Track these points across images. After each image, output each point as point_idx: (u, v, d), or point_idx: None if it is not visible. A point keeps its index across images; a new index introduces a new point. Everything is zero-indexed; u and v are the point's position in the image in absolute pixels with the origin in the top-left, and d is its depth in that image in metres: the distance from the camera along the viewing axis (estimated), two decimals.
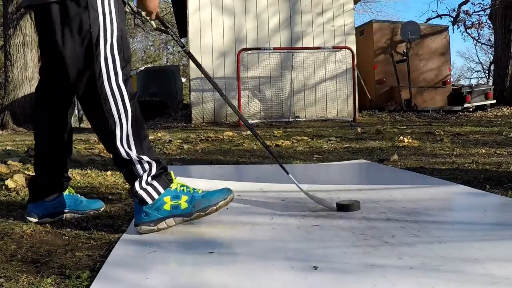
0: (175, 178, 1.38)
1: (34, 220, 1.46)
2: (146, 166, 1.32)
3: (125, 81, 1.34)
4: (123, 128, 1.32)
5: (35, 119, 1.51)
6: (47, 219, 1.47)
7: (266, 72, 8.37)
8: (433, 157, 3.06)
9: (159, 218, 1.30)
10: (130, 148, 1.32)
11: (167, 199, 1.31)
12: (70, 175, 2.28)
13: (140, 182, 1.31)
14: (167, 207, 1.31)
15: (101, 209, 1.61)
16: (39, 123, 1.49)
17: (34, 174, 1.53)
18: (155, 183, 1.32)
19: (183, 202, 1.32)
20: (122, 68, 1.33)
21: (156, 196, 1.31)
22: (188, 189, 1.36)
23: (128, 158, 1.32)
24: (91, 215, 1.55)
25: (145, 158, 1.33)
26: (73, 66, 1.30)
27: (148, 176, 1.32)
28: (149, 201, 1.30)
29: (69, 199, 1.54)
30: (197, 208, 1.32)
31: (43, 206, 1.47)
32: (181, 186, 1.36)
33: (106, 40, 1.30)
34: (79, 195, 1.60)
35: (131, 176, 1.33)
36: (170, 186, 1.34)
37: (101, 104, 1.30)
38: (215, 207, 1.34)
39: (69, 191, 1.56)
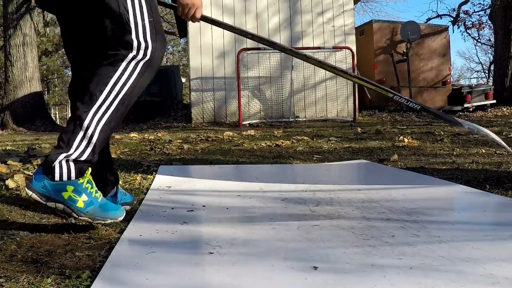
0: (88, 173, 1.34)
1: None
2: (83, 147, 1.28)
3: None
4: (110, 96, 1.30)
5: None
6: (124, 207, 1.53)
7: (266, 72, 8.37)
8: (433, 157, 3.06)
9: (52, 198, 1.27)
10: (98, 122, 1.29)
11: (70, 188, 1.28)
12: None
13: (65, 156, 1.27)
14: (65, 195, 1.27)
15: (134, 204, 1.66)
16: None
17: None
18: (72, 166, 1.28)
19: (81, 201, 1.29)
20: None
21: (65, 178, 1.27)
22: (91, 190, 1.32)
23: (79, 122, 1.28)
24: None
25: (94, 139, 1.29)
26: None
27: (74, 154, 1.28)
28: (56, 178, 1.27)
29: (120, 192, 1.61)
30: (89, 214, 1.30)
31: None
32: (87, 182, 1.32)
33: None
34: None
35: (65, 142, 1.29)
36: (79, 178, 1.31)
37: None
38: (103, 221, 1.32)
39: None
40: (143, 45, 1.33)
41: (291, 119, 8.12)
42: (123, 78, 1.31)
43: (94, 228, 1.41)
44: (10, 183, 2.00)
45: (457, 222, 1.45)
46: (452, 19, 16.26)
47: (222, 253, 1.15)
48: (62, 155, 1.27)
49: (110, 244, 1.25)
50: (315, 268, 1.03)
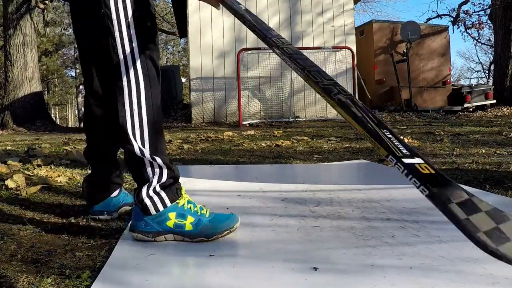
0: (184, 193, 1.31)
1: (108, 217, 1.50)
2: (157, 170, 1.25)
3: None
4: (134, 117, 1.23)
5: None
6: (115, 214, 1.53)
7: (266, 72, 8.37)
8: (433, 157, 3.06)
9: (158, 231, 1.24)
10: (143, 145, 1.24)
11: (172, 215, 1.24)
12: (70, 175, 2.29)
13: (148, 188, 1.25)
14: (170, 224, 1.23)
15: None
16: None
17: (91, 177, 1.54)
18: (163, 193, 1.25)
19: (188, 224, 1.24)
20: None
21: (161, 208, 1.24)
22: (195, 209, 1.27)
23: (140, 156, 1.24)
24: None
25: (158, 160, 1.25)
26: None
27: (157, 183, 1.25)
28: (153, 211, 1.24)
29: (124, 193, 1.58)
30: (202, 234, 1.24)
31: (112, 203, 1.52)
32: (188, 203, 1.28)
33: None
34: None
35: (140, 178, 1.26)
36: (178, 201, 1.27)
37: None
38: (220, 235, 1.26)
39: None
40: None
41: (291, 119, 8.12)
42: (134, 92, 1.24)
43: (94, 229, 1.41)
44: (10, 183, 2.00)
45: None
46: (452, 19, 16.28)
47: (222, 255, 1.15)
48: (145, 188, 1.25)
49: (110, 244, 1.25)
50: (315, 269, 1.03)
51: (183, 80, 15.11)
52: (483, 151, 3.29)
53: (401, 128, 5.84)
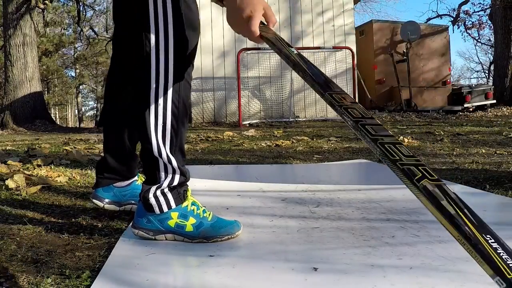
0: (190, 194, 1.30)
1: (101, 204, 1.45)
2: (170, 174, 1.24)
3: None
4: (158, 113, 1.20)
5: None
6: (112, 206, 1.47)
7: (266, 72, 8.37)
8: (433, 157, 3.06)
9: (159, 230, 1.25)
10: (164, 144, 1.21)
11: (174, 215, 1.24)
12: (70, 175, 2.28)
13: (156, 189, 1.24)
14: (171, 223, 1.24)
15: None
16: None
17: (103, 155, 1.50)
18: (169, 195, 1.25)
19: (189, 225, 1.24)
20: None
21: (165, 209, 1.24)
22: (198, 211, 1.27)
23: (157, 156, 1.22)
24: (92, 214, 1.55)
25: (174, 163, 1.24)
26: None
27: (167, 186, 1.25)
28: (157, 211, 1.24)
29: (139, 190, 1.50)
30: (202, 236, 1.24)
31: (112, 191, 1.47)
32: (192, 204, 1.28)
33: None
34: None
35: (151, 177, 1.26)
36: (183, 202, 1.27)
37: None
38: (219, 239, 1.25)
39: (140, 181, 1.54)
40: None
41: (291, 119, 8.12)
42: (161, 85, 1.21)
43: (94, 229, 1.41)
44: (10, 183, 2.00)
45: None
46: (452, 19, 16.29)
47: (223, 255, 1.15)
48: (154, 188, 1.24)
49: (110, 244, 1.25)
50: (315, 269, 1.03)
51: None
52: (483, 151, 3.29)
53: (401, 128, 5.84)
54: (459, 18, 16.03)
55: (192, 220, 1.25)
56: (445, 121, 7.47)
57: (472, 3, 19.12)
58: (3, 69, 11.02)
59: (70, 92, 29.87)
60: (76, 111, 31.58)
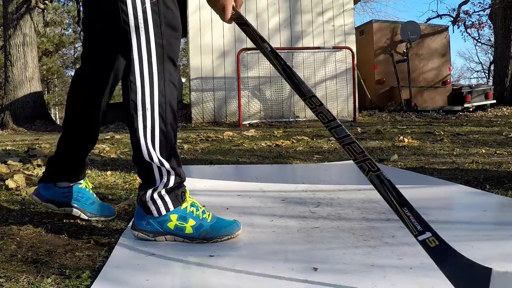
0: (188, 196, 1.30)
1: (38, 201, 1.45)
2: (165, 176, 1.24)
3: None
4: (147, 116, 1.20)
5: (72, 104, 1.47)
6: (50, 205, 1.45)
7: (266, 72, 8.37)
8: (433, 157, 3.06)
9: (159, 231, 1.25)
10: (154, 148, 1.22)
11: (174, 217, 1.24)
12: None
13: (152, 192, 1.24)
14: (171, 225, 1.24)
15: (110, 218, 1.52)
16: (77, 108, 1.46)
17: (54, 153, 1.49)
18: (167, 197, 1.25)
19: (189, 227, 1.24)
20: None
21: (164, 211, 1.24)
22: (197, 213, 1.27)
23: (148, 160, 1.22)
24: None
25: (167, 165, 1.23)
26: None
27: (163, 188, 1.25)
28: (155, 214, 1.24)
29: (81, 194, 1.48)
30: (202, 237, 1.24)
31: (53, 190, 1.45)
32: (191, 206, 1.28)
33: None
34: (94, 195, 1.54)
35: (146, 180, 1.26)
36: (181, 204, 1.27)
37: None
38: (219, 240, 1.25)
39: (86, 185, 1.52)
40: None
41: (291, 119, 8.12)
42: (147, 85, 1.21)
43: (94, 229, 1.41)
44: (10, 183, 2.00)
45: (457, 222, 1.45)
46: (452, 19, 16.30)
47: (223, 255, 1.15)
48: (150, 191, 1.24)
49: (110, 244, 1.25)
50: (315, 269, 1.03)
51: (183, 80, 15.11)
52: (483, 151, 3.29)
53: (401, 128, 5.84)
54: (459, 18, 16.04)
55: (191, 222, 1.25)
56: (445, 121, 7.47)
57: (472, 3, 19.15)
58: (3, 69, 11.01)
59: None
60: None
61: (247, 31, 1.24)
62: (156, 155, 1.22)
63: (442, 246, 0.89)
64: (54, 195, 1.46)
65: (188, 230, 1.24)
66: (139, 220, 1.26)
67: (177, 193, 1.27)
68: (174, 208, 1.25)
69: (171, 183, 1.25)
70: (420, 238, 0.92)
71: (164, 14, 1.22)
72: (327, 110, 1.16)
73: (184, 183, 1.31)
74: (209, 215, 1.28)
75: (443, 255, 0.89)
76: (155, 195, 1.24)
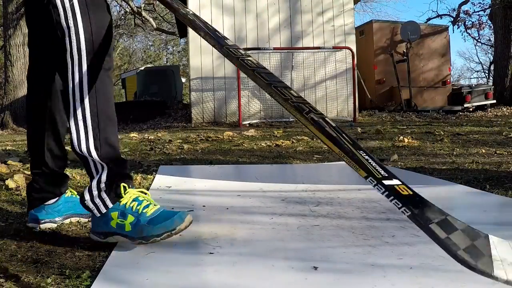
0: (129, 188, 1.22)
1: (36, 226, 1.41)
2: (99, 168, 1.21)
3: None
4: (77, 108, 1.17)
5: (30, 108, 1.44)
6: (49, 224, 1.43)
7: None
8: (433, 157, 3.06)
9: (106, 232, 1.20)
10: (79, 137, 1.19)
11: (114, 215, 1.18)
12: (70, 175, 2.28)
13: (89, 190, 1.21)
14: (113, 224, 1.18)
15: None
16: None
17: (31, 178, 1.47)
18: (104, 194, 1.20)
19: (127, 224, 1.17)
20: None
21: (103, 209, 1.19)
22: (138, 207, 1.19)
23: (77, 151, 1.19)
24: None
25: (95, 156, 1.19)
26: None
27: (97, 184, 1.20)
28: (97, 213, 1.20)
29: (71, 202, 1.48)
30: (139, 236, 1.16)
31: (44, 210, 1.43)
32: (133, 200, 1.20)
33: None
34: None
35: (88, 172, 1.24)
36: (120, 200, 1.20)
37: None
38: (158, 239, 1.15)
39: (71, 193, 1.51)
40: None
41: (291, 119, 8.12)
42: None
43: None
44: (10, 183, 2.00)
45: None
46: (452, 19, 16.29)
47: (222, 253, 1.15)
48: (86, 191, 1.21)
49: (110, 244, 1.25)
50: (315, 268, 1.03)
51: (183, 80, 15.11)
52: (483, 151, 3.29)
53: (401, 128, 5.84)
54: (459, 18, 16.03)
55: (130, 218, 1.17)
56: (445, 121, 7.47)
57: (472, 3, 19.13)
58: (3, 69, 11.01)
59: None
60: None
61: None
62: (86, 147, 1.19)
63: (417, 197, 0.77)
64: (48, 213, 1.43)
65: (127, 227, 1.17)
66: (92, 222, 1.23)
67: (115, 188, 1.21)
68: (113, 204, 1.20)
69: (104, 178, 1.20)
70: (387, 182, 0.78)
71: (93, 12, 1.21)
72: (250, 59, 1.07)
73: (127, 176, 1.25)
74: (151, 209, 1.19)
75: (417, 203, 0.75)
76: (94, 192, 1.20)
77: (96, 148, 1.19)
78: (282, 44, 8.49)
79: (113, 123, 1.25)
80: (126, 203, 1.20)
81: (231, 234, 1.30)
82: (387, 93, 10.58)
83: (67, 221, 1.46)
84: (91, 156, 1.19)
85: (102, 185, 1.20)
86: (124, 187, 1.21)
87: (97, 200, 1.20)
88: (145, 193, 1.26)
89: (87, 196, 1.21)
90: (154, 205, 1.22)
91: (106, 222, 1.19)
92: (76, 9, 1.19)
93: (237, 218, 1.51)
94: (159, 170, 2.54)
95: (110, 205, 1.19)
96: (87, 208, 1.21)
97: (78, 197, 1.52)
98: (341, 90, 8.64)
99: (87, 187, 1.22)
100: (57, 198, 1.45)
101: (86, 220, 1.48)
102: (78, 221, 1.48)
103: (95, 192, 1.20)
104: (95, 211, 1.20)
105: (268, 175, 2.50)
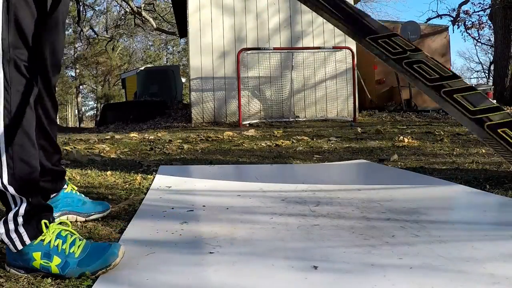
0: (55, 224, 1.10)
1: None
2: (18, 201, 1.06)
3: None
4: None
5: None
6: None
7: (266, 72, 8.37)
8: (433, 157, 3.06)
9: (28, 268, 1.06)
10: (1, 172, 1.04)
11: (37, 255, 1.04)
12: (70, 175, 2.28)
13: (4, 224, 1.06)
14: (36, 264, 1.05)
15: (106, 213, 1.53)
16: None
17: None
18: (21, 229, 1.05)
19: (54, 266, 1.04)
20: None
21: (20, 246, 1.04)
22: (64, 246, 1.06)
23: None
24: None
25: (11, 190, 1.04)
26: None
27: (13, 218, 1.06)
28: (13, 249, 1.05)
29: (70, 199, 1.47)
30: (69, 276, 1.04)
31: None
32: (57, 238, 1.07)
33: None
34: (82, 195, 1.54)
35: (4, 204, 1.09)
36: (43, 237, 1.06)
37: None
38: (93, 276, 1.04)
39: (71, 189, 1.50)
40: None
41: (291, 119, 8.12)
42: None
43: (94, 229, 1.41)
44: None
45: (457, 222, 1.45)
46: (452, 19, 16.28)
47: (222, 253, 1.15)
48: (1, 224, 1.07)
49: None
50: (315, 267, 1.03)
51: (183, 80, 15.11)
52: (483, 151, 3.29)
53: (401, 128, 5.84)
54: (459, 18, 16.03)
55: (56, 260, 1.04)
56: (445, 121, 7.47)
57: (472, 3, 19.12)
58: None
59: (70, 92, 29.90)
60: (76, 111, 31.60)
61: None
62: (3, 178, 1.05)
63: None
64: None
65: (54, 270, 1.04)
66: (8, 253, 1.08)
67: (33, 223, 1.07)
68: (31, 240, 1.05)
69: (22, 211, 1.06)
70: None
71: (16, 13, 1.06)
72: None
73: (47, 208, 1.12)
74: (79, 246, 1.07)
75: None
76: (10, 225, 1.06)
77: (12, 179, 1.05)
78: (282, 44, 8.48)
79: (32, 143, 1.10)
80: (50, 241, 1.06)
81: (231, 234, 1.30)
82: (387, 93, 10.58)
83: (64, 217, 1.45)
84: (7, 189, 1.05)
85: (20, 220, 1.06)
86: (45, 223, 1.08)
87: (14, 235, 1.05)
88: (67, 224, 1.15)
89: (1, 230, 1.06)
90: (79, 239, 1.10)
91: (27, 261, 1.06)
92: None
93: (237, 218, 1.51)
94: (159, 170, 2.54)
95: (27, 241, 1.05)
96: (3, 243, 1.07)
97: (78, 193, 1.53)
98: (341, 90, 8.63)
99: (3, 219, 1.07)
100: (55, 194, 1.45)
101: (83, 219, 1.48)
102: (76, 220, 1.48)
103: (11, 226, 1.06)
104: (11, 247, 1.05)
105: (268, 175, 2.50)
